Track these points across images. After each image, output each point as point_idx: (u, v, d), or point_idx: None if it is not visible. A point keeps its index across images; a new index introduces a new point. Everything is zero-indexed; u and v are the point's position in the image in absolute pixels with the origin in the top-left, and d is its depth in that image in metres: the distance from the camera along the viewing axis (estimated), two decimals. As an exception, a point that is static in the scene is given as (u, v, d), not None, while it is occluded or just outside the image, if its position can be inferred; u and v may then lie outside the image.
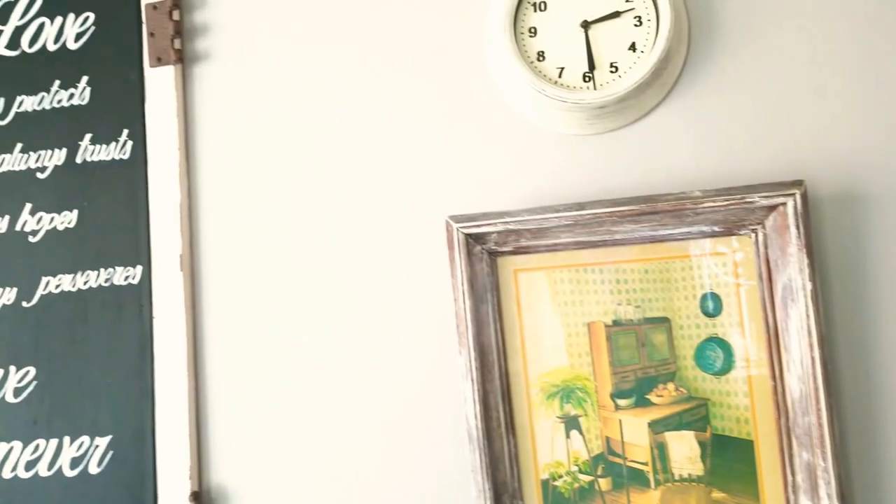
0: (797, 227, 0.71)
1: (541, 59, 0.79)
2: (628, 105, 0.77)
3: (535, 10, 0.80)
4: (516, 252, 0.78)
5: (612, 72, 0.77)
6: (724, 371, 0.74)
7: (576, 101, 0.76)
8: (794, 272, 0.71)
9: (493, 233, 0.76)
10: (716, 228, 0.73)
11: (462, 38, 0.84)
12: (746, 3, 0.78)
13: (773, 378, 0.72)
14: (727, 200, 0.71)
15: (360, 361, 0.83)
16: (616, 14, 0.78)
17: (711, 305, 0.75)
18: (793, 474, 0.71)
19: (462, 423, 0.78)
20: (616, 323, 0.77)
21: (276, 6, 0.89)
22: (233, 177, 0.89)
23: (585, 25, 0.78)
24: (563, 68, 0.78)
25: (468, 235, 0.76)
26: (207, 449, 0.86)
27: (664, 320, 0.76)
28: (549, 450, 0.77)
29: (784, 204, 0.71)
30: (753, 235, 0.73)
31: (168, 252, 0.88)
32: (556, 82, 0.78)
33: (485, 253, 0.77)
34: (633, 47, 0.77)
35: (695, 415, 0.75)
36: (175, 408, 0.86)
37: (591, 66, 0.78)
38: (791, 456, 0.71)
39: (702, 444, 0.74)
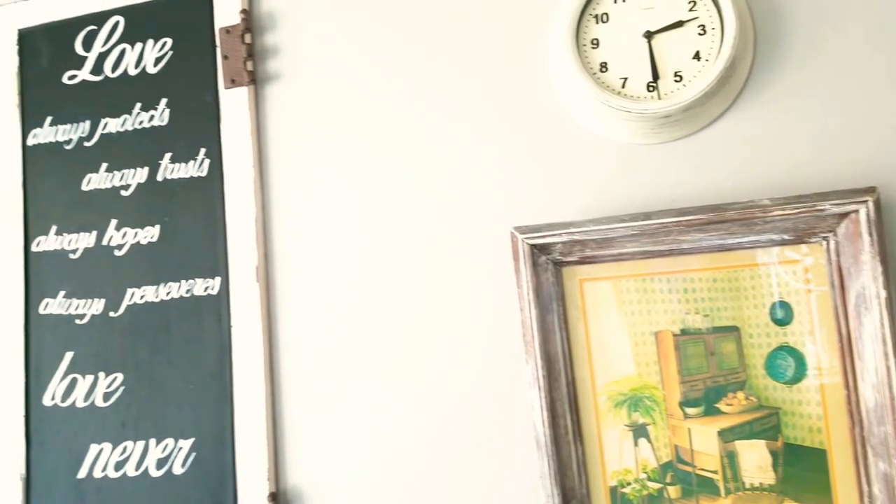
0: (870, 235, 0.70)
1: (604, 70, 0.80)
2: (693, 114, 0.78)
3: (598, 22, 0.81)
4: (581, 262, 0.79)
5: (676, 81, 0.78)
6: (795, 380, 0.74)
7: (640, 112, 0.77)
8: (867, 280, 0.70)
9: (558, 243, 0.78)
10: (785, 236, 0.73)
11: (525, 50, 0.86)
12: (813, 10, 0.78)
13: (847, 387, 0.72)
14: (797, 208, 0.71)
15: (429, 368, 0.86)
16: (679, 23, 0.79)
17: (782, 314, 0.75)
18: (868, 485, 0.71)
19: (530, 430, 0.81)
20: (684, 332, 0.77)
21: (343, 27, 0.93)
22: (304, 191, 0.93)
23: (648, 35, 0.79)
24: (626, 78, 0.80)
25: (533, 246, 0.79)
26: (284, 451, 0.91)
27: (733, 329, 0.76)
28: (617, 457, 0.79)
29: (856, 211, 0.70)
30: (825, 243, 0.73)
31: (244, 264, 0.93)
32: (619, 93, 0.79)
33: (550, 263, 0.79)
34: (697, 56, 0.78)
35: (765, 424, 0.75)
36: (253, 412, 0.91)
37: (655, 76, 0.79)
38: (867, 466, 0.71)
39: (773, 452, 0.74)
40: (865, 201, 0.70)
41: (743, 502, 0.75)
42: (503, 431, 0.83)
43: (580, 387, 0.79)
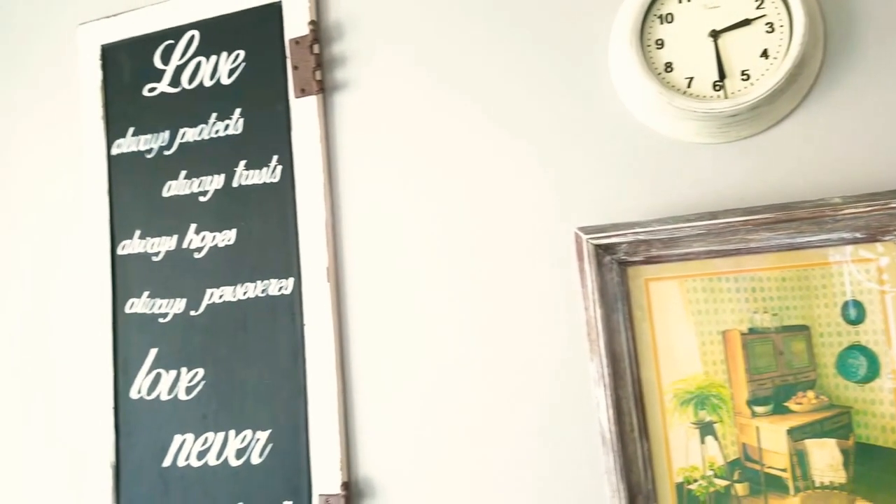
0: (949, 232, 0.69)
1: (669, 70, 0.81)
2: (761, 112, 0.78)
3: (662, 23, 0.82)
4: (647, 262, 0.81)
5: (743, 80, 0.79)
6: (868, 379, 0.74)
7: (706, 111, 0.78)
8: (945, 278, 0.69)
9: (623, 243, 0.80)
10: (858, 235, 0.73)
11: (589, 51, 0.88)
12: (884, 7, 0.77)
13: (924, 387, 0.71)
14: (869, 206, 0.71)
15: (495, 364, 0.89)
16: (746, 22, 0.79)
17: (854, 313, 0.74)
18: (948, 486, 0.70)
19: (595, 426, 0.83)
20: (752, 331, 0.78)
21: (408, 36, 0.97)
22: (372, 195, 0.97)
23: (714, 35, 0.80)
24: (692, 78, 0.81)
25: (598, 246, 0.80)
26: (355, 443, 0.96)
27: (803, 328, 0.76)
28: (684, 454, 0.80)
29: (933, 209, 0.70)
30: (900, 241, 0.72)
31: (316, 265, 0.98)
32: (685, 93, 0.80)
33: (615, 263, 0.81)
34: (765, 54, 0.78)
35: (837, 422, 0.75)
36: (325, 406, 0.96)
37: (722, 75, 0.79)
38: (945, 467, 0.70)
39: (844, 451, 0.74)
40: (942, 198, 0.70)
41: (813, 501, 0.75)
42: (567, 427, 0.85)
43: (646, 385, 0.81)
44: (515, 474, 0.88)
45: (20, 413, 1.17)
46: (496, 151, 0.91)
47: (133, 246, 1.10)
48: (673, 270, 0.81)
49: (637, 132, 0.85)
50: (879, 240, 0.73)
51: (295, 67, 1.00)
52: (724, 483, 0.79)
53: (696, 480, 0.79)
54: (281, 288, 1.01)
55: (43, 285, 1.18)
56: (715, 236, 0.77)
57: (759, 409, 0.78)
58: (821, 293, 0.76)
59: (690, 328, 0.80)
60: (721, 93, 0.79)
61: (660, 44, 0.82)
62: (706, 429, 0.79)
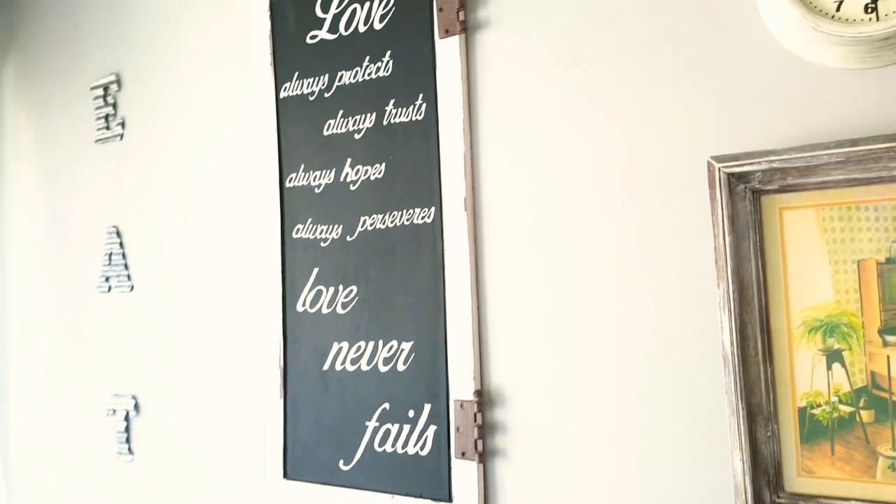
0: None
1: (815, -6, 0.81)
2: (915, 35, 0.77)
3: (809, -54, 0.82)
4: (781, 190, 0.83)
5: (897, 1, 0.77)
6: None
7: (854, 35, 0.78)
8: None
9: (757, 171, 0.83)
10: None
11: (727, -18, 0.89)
12: None
13: None
14: None
15: (623, 288, 0.97)
16: (904, -62, 0.77)
17: None
18: None
19: (718, 349, 0.88)
20: (889, 261, 0.79)
21: (545, -28, 1.03)
22: (508, 130, 1.06)
23: (867, -45, 0.78)
24: (841, 1, 0.80)
25: (730, 175, 0.84)
26: (488, 357, 1.08)
27: (947, 258, 0.76)
28: (809, 380, 0.83)
29: None
30: None
31: (455, 195, 1.10)
32: (833, 16, 0.80)
33: (748, 192, 0.84)
34: (923, -27, 0.76)
35: (979, 356, 0.75)
36: (462, 322, 1.09)
37: (873, -3, 0.78)
38: None
39: None
40: None
41: (947, 432, 0.76)
42: (691, 349, 0.91)
43: (773, 311, 0.85)
44: (637, 389, 0.95)
45: (209, 325, 1.42)
46: (630, 81, 0.96)
47: (298, 179, 1.28)
48: (809, 199, 0.82)
49: (779, 58, 0.86)
50: None
51: (440, 9, 1.10)
52: (848, 409, 0.81)
53: (819, 405, 0.83)
54: (424, 216, 1.13)
55: (223, 215, 1.40)
56: (855, 164, 0.78)
57: (890, 339, 0.79)
58: (971, 223, 0.75)
59: (824, 257, 0.82)
60: (873, 15, 0.78)
61: (807, -33, 0.82)
62: (834, 356, 0.82)
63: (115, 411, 1.55)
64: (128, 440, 1.54)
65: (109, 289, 1.58)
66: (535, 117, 1.04)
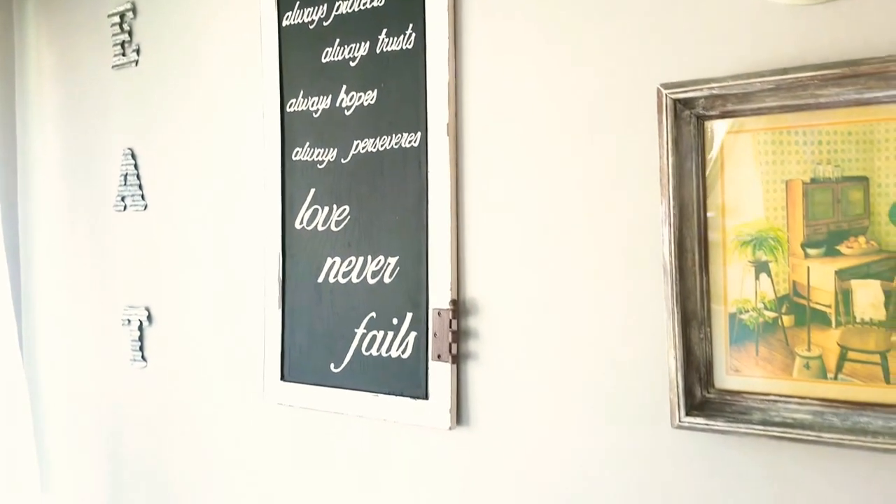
0: None
1: (763, -65, 0.91)
2: (848, -27, 0.86)
3: None
4: (722, 116, 0.94)
5: (834, -59, 0.86)
6: (920, 228, 0.84)
7: (793, -26, 0.87)
8: None
9: (700, 98, 0.94)
10: (926, 91, 0.81)
11: (689, -79, 0.99)
12: None
13: (972, 235, 0.81)
14: (937, 62, 0.79)
15: (583, 205, 1.09)
16: None
17: (914, 166, 0.84)
18: (979, 325, 0.80)
19: (660, 260, 1.00)
20: (814, 181, 0.90)
21: None
22: (489, 61, 1.18)
23: None
24: (784, -58, 0.89)
25: (676, 101, 0.95)
26: (465, 271, 1.22)
27: (862, 179, 0.87)
28: (739, 289, 0.96)
29: None
30: (968, 97, 0.79)
31: (439, 121, 1.22)
32: (775, -44, 0.90)
33: (693, 117, 0.96)
34: (859, -86, 0.85)
35: (883, 266, 0.87)
36: (442, 239, 1.22)
37: (813, -62, 0.87)
38: (980, 308, 0.80)
39: (887, 292, 0.86)
40: None
41: (852, 334, 0.89)
42: (640, 261, 1.04)
43: (711, 227, 0.97)
44: (591, 298, 1.09)
45: (215, 241, 1.58)
46: (599, 20, 1.07)
47: (298, 104, 1.41)
48: (746, 124, 0.94)
49: (730, -4, 0.96)
50: (948, 96, 0.81)
51: (429, -56, 1.20)
52: (772, 315, 0.94)
53: (747, 311, 0.96)
54: (410, 141, 1.26)
55: (229, 138, 1.54)
56: (786, 91, 0.89)
57: (811, 252, 0.91)
58: (883, 147, 0.85)
59: (757, 178, 0.93)
60: (812, -45, 0.88)
61: None
62: (761, 267, 0.94)
63: (129, 321, 1.74)
64: (141, 348, 1.72)
65: (125, 207, 1.74)
66: (513, 50, 1.15)
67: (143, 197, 1.71)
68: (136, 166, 1.72)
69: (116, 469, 1.81)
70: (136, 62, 1.72)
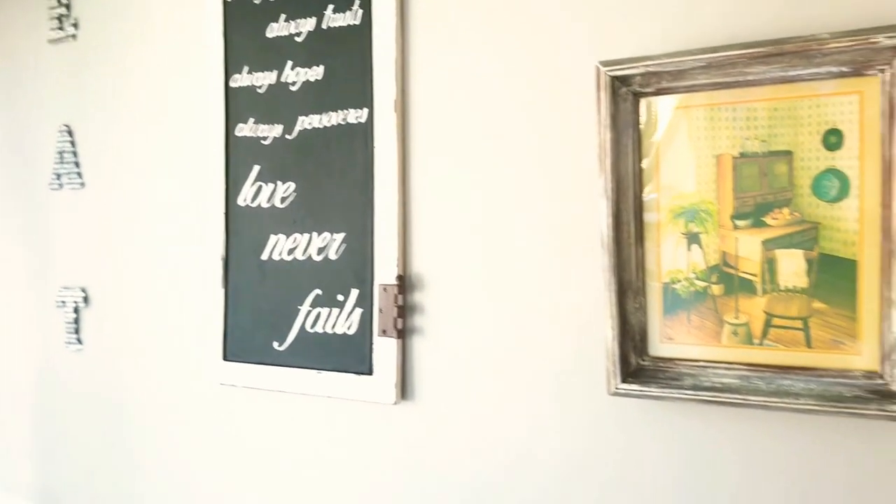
0: (928, 68, 0.81)
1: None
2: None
3: None
4: (658, 93, 0.98)
5: (762, -74, 0.91)
6: (837, 199, 0.89)
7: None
8: (920, 111, 0.82)
9: (636, 75, 0.97)
10: (844, 69, 0.87)
11: None
12: None
13: (884, 205, 0.86)
14: (853, 41, 0.84)
15: (523, 181, 1.12)
16: None
17: (833, 140, 0.89)
18: (889, 290, 0.86)
19: (598, 233, 1.04)
20: (742, 155, 0.95)
21: None
22: (436, 38, 1.19)
23: None
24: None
25: (613, 78, 0.99)
26: (410, 247, 1.23)
27: (787, 153, 0.92)
28: (672, 260, 1.00)
29: (914, 44, 0.82)
30: (881, 75, 0.85)
31: (386, 97, 1.23)
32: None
33: (630, 94, 0.99)
34: None
35: (805, 236, 0.92)
36: (387, 215, 1.24)
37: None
38: (890, 275, 0.86)
39: (809, 261, 0.92)
40: (925, 35, 0.81)
41: (776, 301, 0.94)
42: (579, 233, 1.07)
43: (647, 200, 1.01)
44: (531, 272, 1.12)
45: (156, 220, 1.55)
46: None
47: (242, 80, 1.40)
48: (680, 101, 0.98)
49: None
50: (863, 74, 0.86)
51: (377, -80, 1.21)
52: (703, 284, 0.98)
53: (679, 281, 1.00)
54: (357, 117, 1.27)
55: (171, 114, 1.52)
56: (716, 69, 0.93)
57: (740, 223, 0.96)
58: (806, 122, 0.91)
59: (690, 152, 0.98)
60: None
61: None
62: (693, 238, 0.99)
63: (64, 303, 1.69)
64: (76, 331, 1.68)
65: (61, 186, 1.69)
66: (460, 28, 1.17)
67: (80, 175, 1.66)
68: (72, 143, 1.67)
69: (51, 453, 1.76)
70: (75, 36, 1.67)
